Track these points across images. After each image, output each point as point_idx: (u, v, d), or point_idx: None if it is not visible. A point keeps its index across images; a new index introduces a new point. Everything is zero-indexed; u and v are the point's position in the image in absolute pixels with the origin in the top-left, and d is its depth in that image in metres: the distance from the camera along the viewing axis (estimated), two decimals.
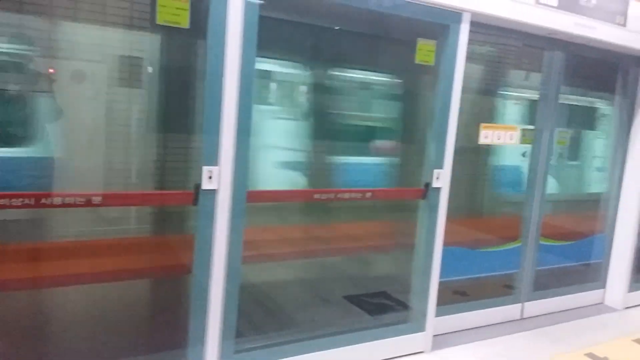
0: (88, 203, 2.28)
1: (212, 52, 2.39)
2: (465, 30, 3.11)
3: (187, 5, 2.33)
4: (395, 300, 3.57)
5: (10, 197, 2.08)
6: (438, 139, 3.19)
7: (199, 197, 2.45)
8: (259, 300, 3.38)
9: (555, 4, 3.42)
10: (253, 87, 2.52)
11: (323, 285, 3.69)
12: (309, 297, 3.55)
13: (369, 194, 3.13)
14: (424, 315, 3.34)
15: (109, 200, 2.38)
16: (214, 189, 2.48)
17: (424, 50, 3.09)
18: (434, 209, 3.26)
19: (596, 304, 4.53)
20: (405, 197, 3.42)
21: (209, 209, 2.49)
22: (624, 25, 3.80)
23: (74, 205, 2.26)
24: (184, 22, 2.33)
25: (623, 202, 4.45)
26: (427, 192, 3.23)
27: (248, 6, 2.42)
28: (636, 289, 4.54)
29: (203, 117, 2.43)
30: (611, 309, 4.45)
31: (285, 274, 3.65)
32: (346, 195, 3.01)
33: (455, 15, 3.06)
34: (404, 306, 3.45)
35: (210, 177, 2.46)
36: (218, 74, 2.42)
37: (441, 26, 3.07)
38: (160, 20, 2.29)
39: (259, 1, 2.45)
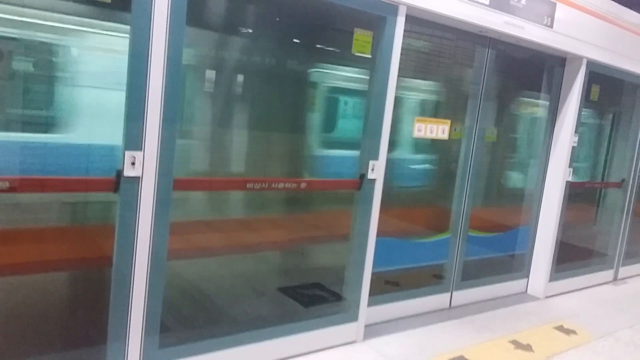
0: None
1: (136, 26, 2.25)
2: (401, 23, 3.13)
3: None
4: (328, 291, 3.56)
5: None
6: (373, 131, 3.19)
7: (120, 184, 2.32)
8: (190, 294, 3.26)
9: (487, 2, 3.52)
10: (181, 66, 2.40)
11: (258, 278, 3.63)
12: (242, 290, 3.47)
13: (303, 184, 3.09)
14: (356, 305, 3.36)
15: (22, 185, 2.20)
16: (137, 176, 2.35)
17: (361, 41, 3.08)
18: (368, 200, 3.27)
19: (520, 293, 4.75)
20: (340, 188, 3.41)
21: (132, 197, 2.35)
22: (550, 26, 3.98)
23: None
24: None
25: (546, 196, 4.68)
26: (362, 183, 3.23)
27: None
28: (557, 279, 4.80)
29: (126, 97, 2.29)
30: (534, 298, 4.69)
31: (219, 268, 3.55)
32: (280, 185, 2.96)
33: (391, 8, 3.07)
34: (337, 297, 3.45)
35: (133, 163, 2.32)
36: (143, 52, 2.28)
37: (378, 18, 3.08)
38: None
39: None
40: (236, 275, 3.55)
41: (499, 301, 4.47)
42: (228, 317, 3.28)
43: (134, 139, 2.32)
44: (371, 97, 3.19)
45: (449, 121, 3.74)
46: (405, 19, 3.15)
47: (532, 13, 3.83)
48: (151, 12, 2.27)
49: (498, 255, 4.71)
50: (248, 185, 2.88)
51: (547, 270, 4.69)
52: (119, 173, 2.30)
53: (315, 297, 3.54)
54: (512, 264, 4.76)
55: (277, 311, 3.42)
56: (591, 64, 4.48)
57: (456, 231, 4.13)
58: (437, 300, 4.09)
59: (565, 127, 4.55)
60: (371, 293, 3.43)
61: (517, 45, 4.05)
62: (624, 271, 5.62)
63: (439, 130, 3.66)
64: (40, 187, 2.30)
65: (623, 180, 5.49)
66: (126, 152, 2.31)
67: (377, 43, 3.13)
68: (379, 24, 3.10)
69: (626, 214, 5.54)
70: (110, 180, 2.31)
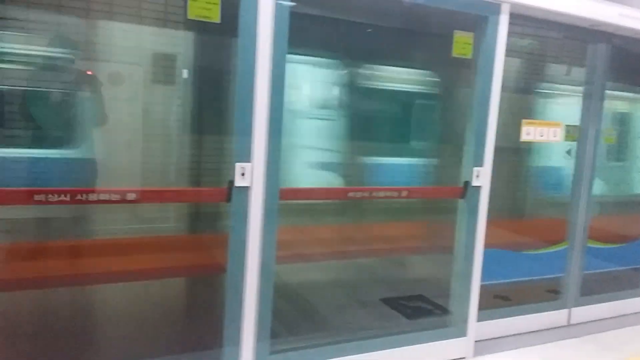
0: (123, 199, 2.28)
1: (243, 47, 2.37)
2: (505, 22, 3.00)
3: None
4: (433, 304, 3.45)
5: (47, 192, 2.10)
6: (477, 136, 3.07)
7: (232, 194, 2.43)
8: (295, 301, 3.32)
9: None
10: (285, 82, 2.49)
11: (359, 287, 3.61)
12: (344, 299, 3.47)
13: (404, 193, 3.04)
14: (465, 320, 3.20)
15: (144, 196, 2.38)
16: (247, 186, 2.45)
17: (461, 43, 2.99)
18: (473, 209, 3.14)
19: None
20: (443, 196, 3.30)
21: (242, 206, 2.45)
22: None
23: (110, 201, 2.26)
24: (215, 16, 2.32)
25: None
26: (466, 191, 3.11)
27: (279, 4, 2.41)
28: None
29: (235, 113, 2.41)
30: None
31: (320, 275, 3.59)
32: (381, 194, 2.93)
33: (493, 6, 2.96)
34: (443, 310, 3.32)
35: (243, 174, 2.43)
36: (250, 69, 2.40)
37: (479, 18, 2.98)
38: (191, 15, 2.29)
39: (290, 2, 2.43)
40: (337, 283, 3.57)
41: (624, 319, 4.05)
42: (331, 325, 3.29)
43: (243, 151, 2.43)
44: (473, 100, 3.08)
45: (560, 123, 3.50)
46: (509, 17, 3.02)
47: None
48: (256, 35, 2.38)
49: (621, 269, 4.28)
50: (350, 194, 2.89)
51: None
52: (231, 183, 2.41)
53: (419, 310, 3.45)
54: (638, 277, 4.30)
55: (380, 322, 3.36)
56: None
57: (573, 242, 3.82)
58: (553, 317, 3.79)
59: None
60: (480, 307, 3.26)
61: (635, 38, 3.70)
62: None
63: (550, 133, 3.44)
64: (159, 197, 2.48)
65: None
66: (236, 164, 2.42)
67: (479, 44, 3.02)
68: (480, 25, 2.99)
69: None
70: (223, 190, 2.43)
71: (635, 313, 4.18)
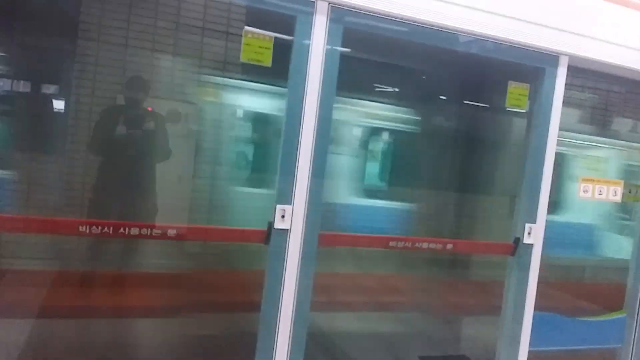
0: (164, 235, 2.30)
1: (292, 89, 2.39)
2: (562, 74, 2.90)
3: (271, 44, 2.36)
4: None
5: (90, 224, 2.14)
6: (531, 190, 2.93)
7: (271, 236, 2.39)
8: (329, 349, 3.21)
9: None
10: (330, 129, 2.47)
11: (396, 341, 3.45)
12: (380, 351, 3.32)
13: (449, 246, 2.92)
14: None
15: (187, 233, 2.40)
16: (286, 229, 2.41)
17: (515, 94, 2.91)
18: (524, 267, 2.96)
19: None
20: (492, 252, 3.15)
21: (280, 248, 2.41)
22: None
23: (150, 236, 2.28)
24: (267, 60, 2.36)
25: None
26: (517, 248, 2.95)
27: (329, 53, 2.42)
28: None
29: (280, 155, 2.40)
30: None
31: (356, 324, 3.47)
32: (424, 245, 2.82)
33: (551, 59, 2.87)
34: None
35: (282, 217, 2.40)
36: (297, 115, 2.40)
37: (535, 69, 2.90)
38: (243, 58, 2.34)
39: (340, 48, 2.44)
40: (374, 334, 3.43)
41: None
42: None
43: (285, 193, 2.41)
44: (528, 153, 2.96)
45: (621, 181, 3.30)
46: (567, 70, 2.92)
47: None
48: (305, 79, 2.40)
49: None
50: (391, 244, 2.80)
51: None
52: (270, 225, 2.39)
53: None
54: None
55: None
56: None
57: (633, 310, 3.52)
58: None
59: None
60: None
61: None
62: None
63: (609, 191, 3.24)
64: (204, 235, 2.49)
65: None
66: (277, 206, 2.39)
67: (535, 96, 2.93)
68: (536, 76, 2.91)
69: None
70: (262, 231, 2.40)
71: None
